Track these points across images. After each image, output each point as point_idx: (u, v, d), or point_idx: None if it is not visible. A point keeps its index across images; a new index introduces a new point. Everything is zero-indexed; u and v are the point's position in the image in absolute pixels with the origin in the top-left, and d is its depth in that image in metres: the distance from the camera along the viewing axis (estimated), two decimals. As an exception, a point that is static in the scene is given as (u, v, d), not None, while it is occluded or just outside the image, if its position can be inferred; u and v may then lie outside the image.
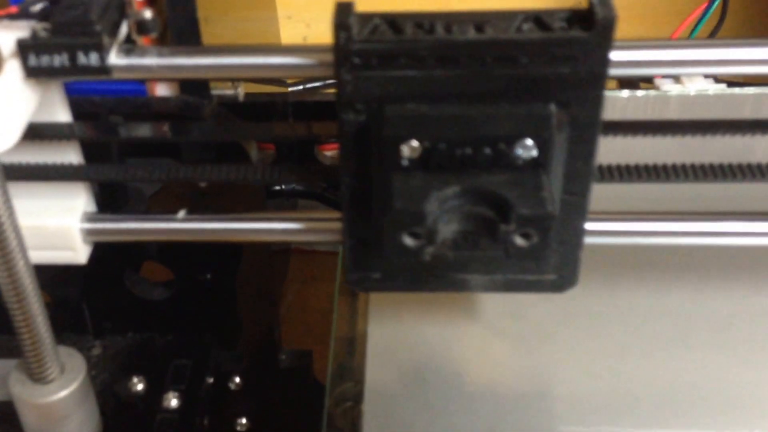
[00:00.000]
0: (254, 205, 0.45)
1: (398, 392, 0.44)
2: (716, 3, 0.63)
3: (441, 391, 0.44)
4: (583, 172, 0.32)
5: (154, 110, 0.38)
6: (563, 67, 0.29)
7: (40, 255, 0.35)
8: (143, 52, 0.31)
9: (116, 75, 0.31)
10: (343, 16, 0.29)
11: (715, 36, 0.64)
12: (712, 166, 0.35)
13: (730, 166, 0.35)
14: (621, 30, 0.29)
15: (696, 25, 0.63)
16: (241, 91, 0.43)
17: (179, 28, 0.37)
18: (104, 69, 0.30)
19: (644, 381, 0.43)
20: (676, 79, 0.57)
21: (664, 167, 0.34)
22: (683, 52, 0.31)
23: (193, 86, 0.39)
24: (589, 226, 0.34)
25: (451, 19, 0.29)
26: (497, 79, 0.29)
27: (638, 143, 0.36)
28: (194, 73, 0.32)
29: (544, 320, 0.46)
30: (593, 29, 0.28)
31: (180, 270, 0.45)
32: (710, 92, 0.56)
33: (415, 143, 0.29)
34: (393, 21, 0.29)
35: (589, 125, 0.30)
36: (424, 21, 0.29)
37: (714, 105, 0.56)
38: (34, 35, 0.30)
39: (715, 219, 0.36)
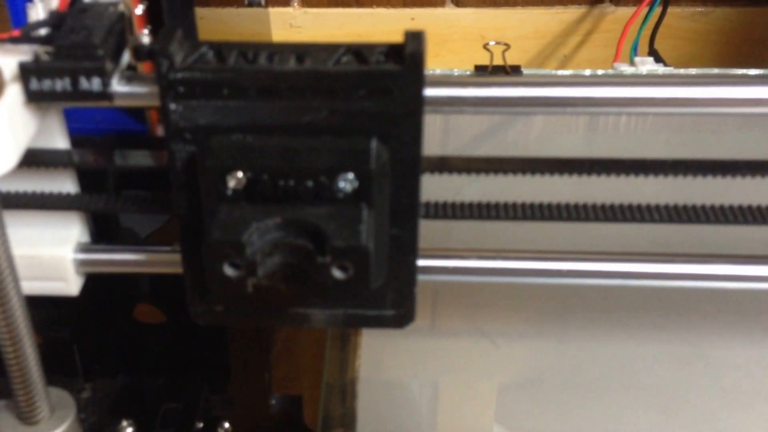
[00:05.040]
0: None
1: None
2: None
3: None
4: (409, 208, 0.32)
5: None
6: (381, 101, 0.29)
7: (31, 285, 0.34)
8: (145, 80, 0.31)
9: (118, 102, 0.31)
10: (165, 43, 0.29)
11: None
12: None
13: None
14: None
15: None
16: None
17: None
18: (106, 95, 0.30)
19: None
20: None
21: (504, 204, 0.35)
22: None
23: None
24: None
25: (275, 49, 0.30)
26: (318, 112, 0.29)
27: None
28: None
29: (528, 365, 0.47)
30: (404, 63, 0.29)
31: (172, 312, 0.45)
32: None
33: (239, 174, 0.30)
34: (219, 50, 0.30)
35: (411, 161, 0.30)
36: (248, 51, 0.30)
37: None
38: (37, 59, 0.30)
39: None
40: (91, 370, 0.46)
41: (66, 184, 0.35)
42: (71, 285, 0.36)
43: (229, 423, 0.44)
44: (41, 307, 0.36)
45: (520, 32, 0.74)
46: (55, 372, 0.45)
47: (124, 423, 0.43)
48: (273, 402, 0.46)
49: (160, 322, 0.46)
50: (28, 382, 0.35)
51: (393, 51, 0.30)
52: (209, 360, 0.46)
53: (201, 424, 0.44)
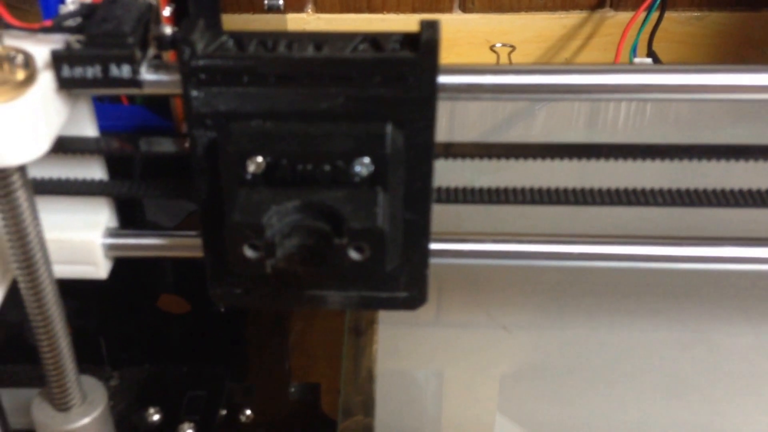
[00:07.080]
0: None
1: (407, 426, 0.44)
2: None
3: (447, 423, 0.44)
4: (423, 192, 0.32)
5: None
6: (396, 88, 0.30)
7: (61, 269, 0.35)
8: (171, 68, 0.32)
9: (146, 89, 0.32)
10: (187, 31, 0.30)
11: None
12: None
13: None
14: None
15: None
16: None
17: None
18: (136, 82, 0.31)
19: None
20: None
21: (513, 189, 0.35)
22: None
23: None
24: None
25: (294, 38, 0.31)
26: (335, 98, 0.30)
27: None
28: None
29: (535, 353, 0.47)
30: (419, 50, 0.30)
31: (196, 302, 0.46)
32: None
33: (259, 159, 0.30)
34: (239, 38, 0.31)
35: (425, 147, 0.31)
36: (268, 39, 0.31)
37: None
38: (68, 47, 0.31)
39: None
40: (119, 359, 0.47)
41: (95, 171, 0.36)
42: (100, 269, 0.37)
43: (251, 410, 0.45)
44: (69, 298, 0.37)
45: (524, 36, 0.76)
46: (84, 361, 0.46)
47: (151, 410, 0.44)
48: (292, 390, 0.47)
49: (183, 312, 0.47)
50: (62, 370, 0.36)
51: (408, 39, 0.30)
52: (231, 349, 0.47)
53: (224, 411, 0.45)
